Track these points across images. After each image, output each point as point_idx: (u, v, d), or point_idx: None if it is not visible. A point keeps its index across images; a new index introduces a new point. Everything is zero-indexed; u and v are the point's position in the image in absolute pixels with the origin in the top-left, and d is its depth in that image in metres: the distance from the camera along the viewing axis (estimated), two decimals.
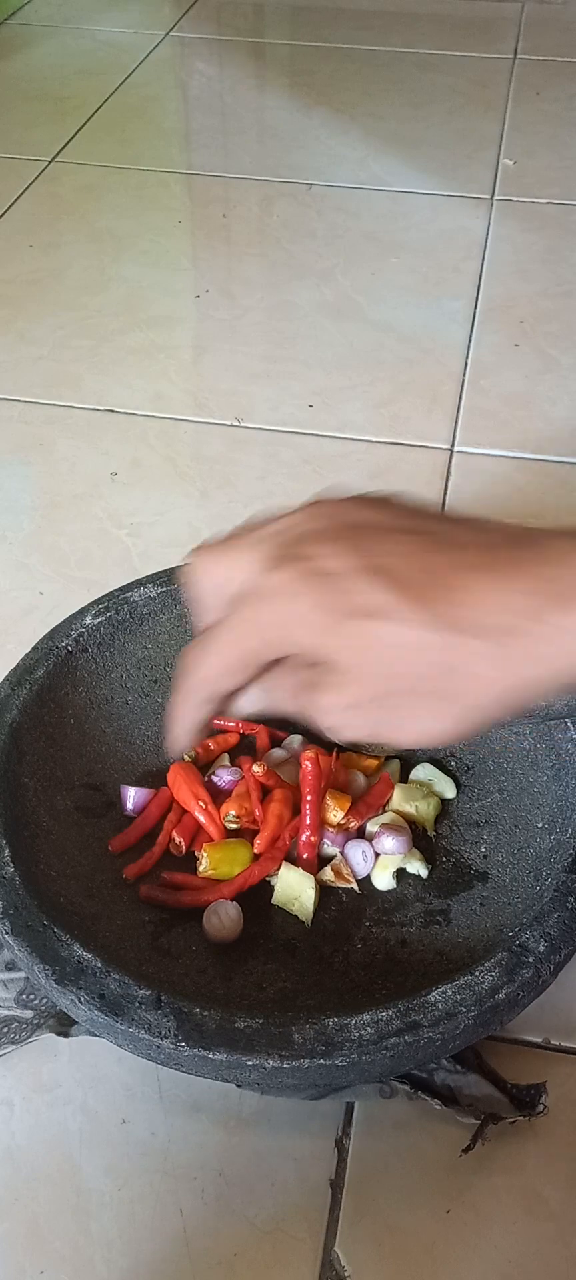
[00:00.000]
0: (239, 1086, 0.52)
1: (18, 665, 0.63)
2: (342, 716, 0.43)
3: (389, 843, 0.60)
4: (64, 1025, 0.55)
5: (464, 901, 0.59)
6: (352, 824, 0.61)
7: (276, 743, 0.66)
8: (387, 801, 0.62)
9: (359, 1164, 0.52)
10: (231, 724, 0.66)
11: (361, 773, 0.63)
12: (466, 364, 1.02)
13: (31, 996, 0.56)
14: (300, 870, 0.59)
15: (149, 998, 0.49)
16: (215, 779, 0.64)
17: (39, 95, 1.55)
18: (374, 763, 0.64)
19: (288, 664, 0.45)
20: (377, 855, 0.60)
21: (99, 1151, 0.52)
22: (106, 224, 1.26)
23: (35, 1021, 0.56)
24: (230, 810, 0.61)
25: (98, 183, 1.34)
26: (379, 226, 1.24)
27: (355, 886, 0.59)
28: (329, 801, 0.61)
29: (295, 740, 0.65)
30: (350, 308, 1.10)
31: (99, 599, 0.67)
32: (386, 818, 0.62)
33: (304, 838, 0.60)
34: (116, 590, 0.68)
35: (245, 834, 0.61)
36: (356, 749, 0.64)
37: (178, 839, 0.61)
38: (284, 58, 1.71)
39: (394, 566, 0.41)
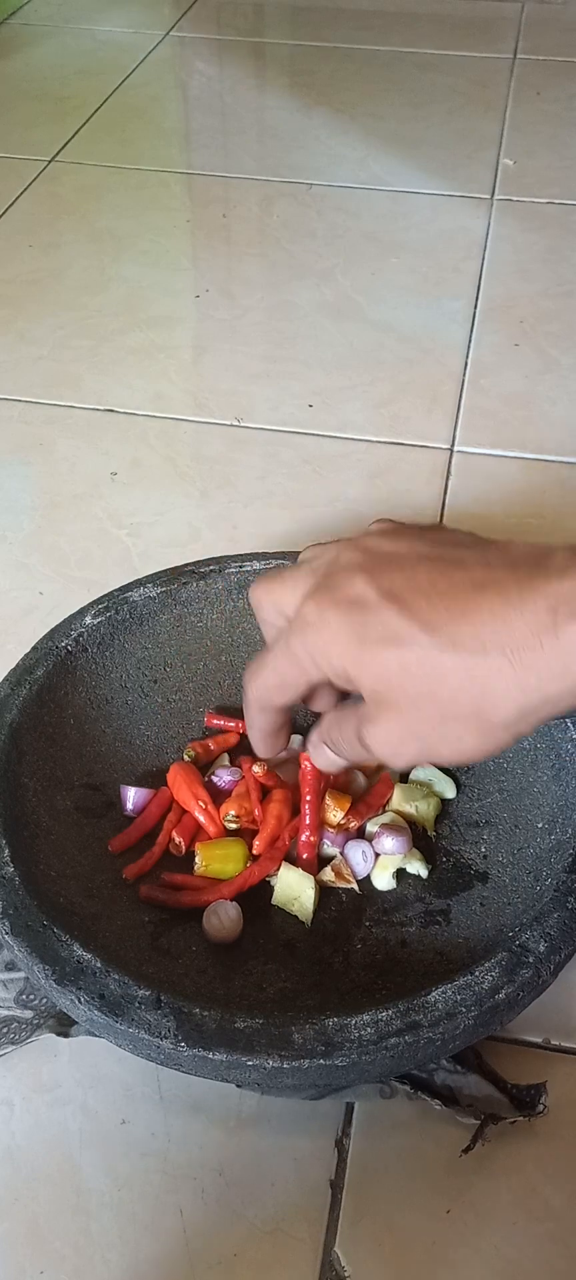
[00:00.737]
0: (239, 1087, 0.52)
1: (17, 665, 0.63)
2: (395, 747, 0.47)
3: (389, 843, 0.60)
4: (64, 1025, 0.55)
5: (464, 901, 0.59)
6: (352, 824, 0.61)
7: None
8: (387, 802, 0.62)
9: (359, 1164, 0.52)
10: (231, 724, 0.66)
11: (361, 773, 0.63)
12: (466, 364, 1.02)
13: (31, 996, 0.56)
14: (300, 870, 0.59)
15: (149, 998, 0.49)
16: (215, 779, 0.64)
17: (39, 95, 1.55)
18: (373, 763, 0.64)
19: (335, 714, 0.51)
20: (377, 855, 0.60)
21: (99, 1151, 0.52)
22: (106, 224, 1.26)
23: (35, 1021, 0.56)
24: (230, 810, 0.61)
25: (98, 183, 1.34)
26: (379, 226, 1.24)
27: (355, 887, 0.59)
28: (329, 802, 0.61)
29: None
30: (350, 308, 1.10)
31: (99, 599, 0.67)
32: (386, 818, 0.62)
33: (303, 838, 0.60)
34: (116, 590, 0.68)
35: (245, 834, 0.61)
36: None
37: (177, 839, 0.61)
38: (284, 58, 1.71)
39: (412, 594, 0.45)
